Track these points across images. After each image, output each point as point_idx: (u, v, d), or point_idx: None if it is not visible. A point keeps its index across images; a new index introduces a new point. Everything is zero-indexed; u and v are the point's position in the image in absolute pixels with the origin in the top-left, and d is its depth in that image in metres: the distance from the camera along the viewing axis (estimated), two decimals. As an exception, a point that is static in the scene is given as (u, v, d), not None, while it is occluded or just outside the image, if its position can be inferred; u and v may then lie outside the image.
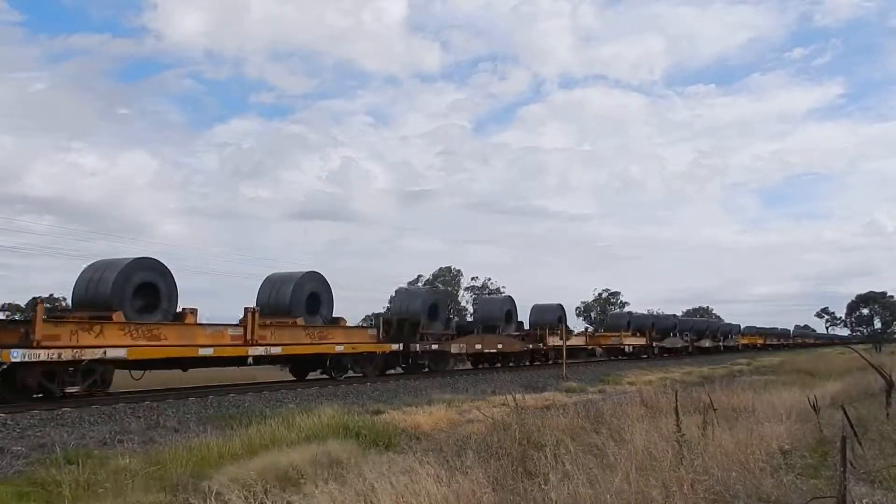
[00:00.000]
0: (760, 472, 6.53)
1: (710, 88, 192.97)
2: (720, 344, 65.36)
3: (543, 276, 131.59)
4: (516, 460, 7.42)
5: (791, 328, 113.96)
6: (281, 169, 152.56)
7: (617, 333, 48.48)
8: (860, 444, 7.60)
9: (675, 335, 54.96)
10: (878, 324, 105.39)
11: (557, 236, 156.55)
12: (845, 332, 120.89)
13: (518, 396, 11.48)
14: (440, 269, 79.53)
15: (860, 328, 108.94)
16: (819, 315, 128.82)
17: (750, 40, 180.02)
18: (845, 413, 7.53)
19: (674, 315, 61.21)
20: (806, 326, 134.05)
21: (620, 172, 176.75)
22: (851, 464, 6.38)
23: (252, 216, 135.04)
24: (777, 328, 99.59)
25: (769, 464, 7.00)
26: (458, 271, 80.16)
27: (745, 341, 76.10)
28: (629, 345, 48.04)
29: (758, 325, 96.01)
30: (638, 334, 49.74)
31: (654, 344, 51.48)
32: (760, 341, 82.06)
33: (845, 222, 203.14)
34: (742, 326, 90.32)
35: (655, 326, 54.78)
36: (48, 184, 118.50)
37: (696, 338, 59.46)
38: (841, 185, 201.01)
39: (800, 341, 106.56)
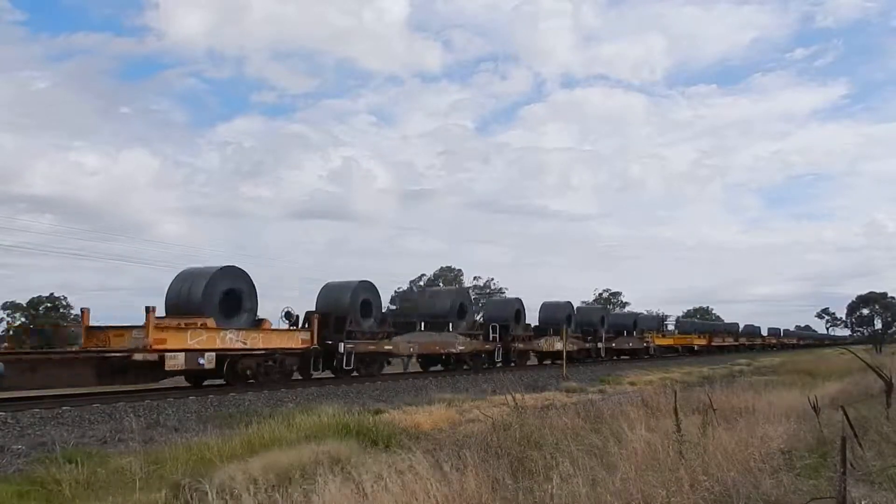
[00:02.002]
0: (760, 473, 6.53)
1: (711, 88, 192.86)
2: (598, 346, 41.19)
3: (544, 276, 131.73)
4: (516, 460, 7.42)
5: (764, 326, 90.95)
6: (282, 168, 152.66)
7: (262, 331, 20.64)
8: (860, 444, 7.59)
9: (452, 329, 29.71)
10: (878, 324, 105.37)
11: (558, 236, 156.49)
12: (846, 332, 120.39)
13: (518, 396, 11.48)
14: (441, 268, 79.69)
15: (860, 329, 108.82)
16: (819, 315, 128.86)
17: (751, 41, 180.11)
18: (845, 414, 7.53)
19: (462, 287, 34.66)
20: (807, 327, 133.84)
21: (621, 172, 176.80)
22: (851, 464, 6.38)
23: (253, 215, 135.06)
24: (738, 325, 79.29)
25: (769, 464, 7.00)
26: (459, 271, 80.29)
27: (666, 342, 54.09)
28: (292, 349, 21.28)
29: (710, 321, 77.63)
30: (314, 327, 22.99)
31: (392, 349, 25.68)
32: (701, 342, 60.38)
33: (846, 223, 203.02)
34: (674, 320, 66.29)
35: (400, 317, 29.65)
36: (49, 183, 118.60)
37: (534, 334, 36.14)
38: (842, 186, 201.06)
39: (774, 342, 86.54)
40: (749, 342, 74.92)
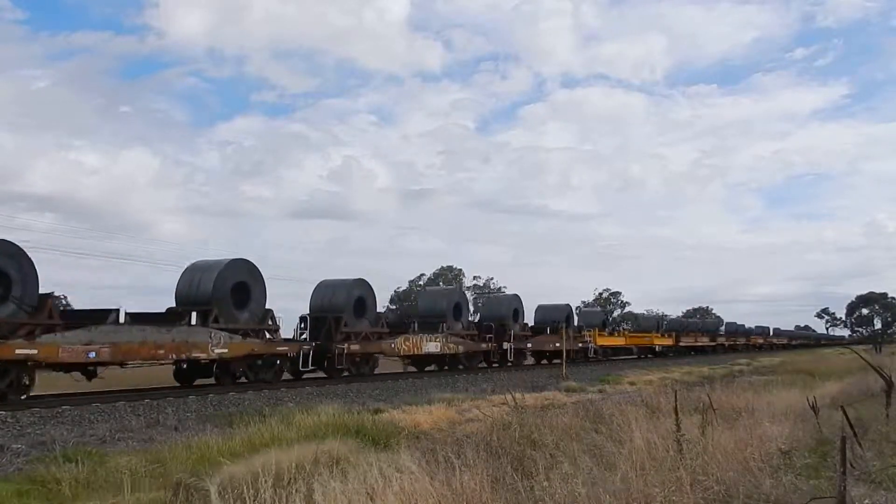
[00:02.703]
0: (760, 472, 6.53)
1: (711, 88, 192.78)
2: (505, 346, 31.92)
3: (545, 276, 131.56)
4: (516, 459, 7.42)
5: (752, 325, 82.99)
6: (282, 167, 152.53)
7: None
8: (860, 444, 7.60)
9: (220, 322, 19.68)
10: (878, 324, 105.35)
11: (558, 236, 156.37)
12: (846, 332, 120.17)
13: (518, 395, 11.50)
14: (441, 268, 79.58)
15: (860, 329, 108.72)
16: (819, 315, 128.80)
17: (752, 41, 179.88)
18: (845, 413, 7.53)
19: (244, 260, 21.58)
20: (807, 327, 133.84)
21: (621, 172, 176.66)
22: (851, 464, 6.38)
23: (253, 215, 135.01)
24: (717, 321, 72.27)
25: (769, 464, 7.00)
26: (460, 270, 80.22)
27: (613, 342, 44.36)
28: None
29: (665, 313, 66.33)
30: None
31: (37, 354, 15.12)
32: (664, 342, 51.03)
33: (846, 223, 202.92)
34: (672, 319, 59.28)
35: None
36: (49, 182, 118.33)
37: (390, 331, 26.14)
38: (842, 186, 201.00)
39: (761, 341, 78.62)
40: (731, 342, 67.05)
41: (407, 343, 26.30)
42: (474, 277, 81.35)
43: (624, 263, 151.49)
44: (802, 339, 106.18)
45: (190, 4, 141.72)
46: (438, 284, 76.26)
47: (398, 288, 75.93)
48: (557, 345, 34.80)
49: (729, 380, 22.10)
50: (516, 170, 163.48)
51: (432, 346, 27.19)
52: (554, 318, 37.96)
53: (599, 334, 41.95)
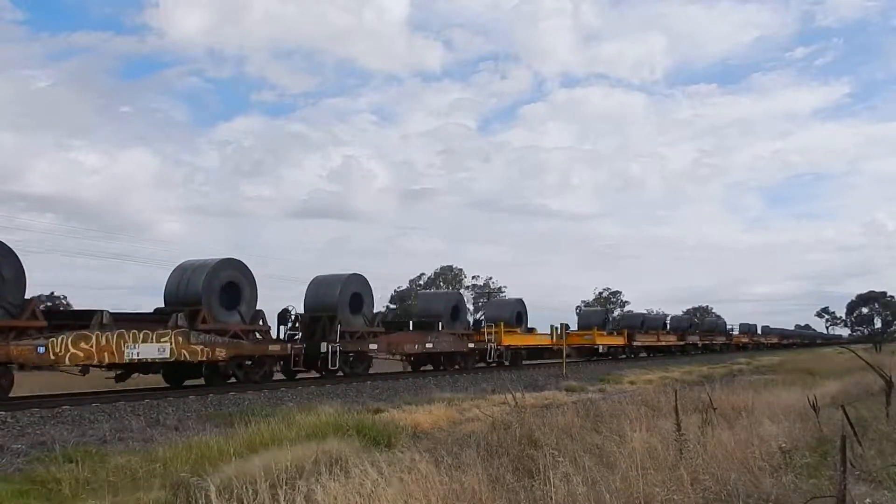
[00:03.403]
0: (760, 472, 6.54)
1: (712, 88, 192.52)
2: (326, 348, 21.84)
3: (544, 275, 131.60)
4: (516, 459, 7.43)
5: (737, 323, 74.65)
6: (282, 167, 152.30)
7: None
8: (860, 443, 7.60)
9: None
10: (878, 323, 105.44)
11: (558, 235, 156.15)
12: (846, 331, 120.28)
13: (518, 395, 11.50)
14: (441, 267, 79.61)
15: (860, 327, 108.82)
16: (819, 314, 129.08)
17: (752, 40, 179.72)
18: (845, 413, 7.53)
19: None
20: (807, 326, 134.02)
21: (621, 171, 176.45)
22: (851, 463, 6.39)
23: (253, 214, 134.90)
24: (691, 319, 62.13)
25: (769, 463, 7.01)
26: (460, 270, 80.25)
27: (530, 341, 34.28)
28: None
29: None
30: None
31: None
32: (612, 341, 42.86)
33: (846, 222, 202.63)
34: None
35: None
36: (49, 182, 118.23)
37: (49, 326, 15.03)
38: (842, 185, 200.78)
39: (746, 341, 69.89)
40: (706, 342, 57.06)
41: (86, 345, 15.38)
42: (473, 277, 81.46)
43: (624, 263, 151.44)
44: (796, 339, 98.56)
45: (190, 4, 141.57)
46: (439, 285, 76.25)
47: (398, 288, 76.05)
48: (429, 345, 27.09)
49: (729, 379, 22.14)
50: (516, 170, 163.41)
51: (151, 348, 16.82)
52: (433, 311, 29.59)
53: (509, 331, 32.22)
